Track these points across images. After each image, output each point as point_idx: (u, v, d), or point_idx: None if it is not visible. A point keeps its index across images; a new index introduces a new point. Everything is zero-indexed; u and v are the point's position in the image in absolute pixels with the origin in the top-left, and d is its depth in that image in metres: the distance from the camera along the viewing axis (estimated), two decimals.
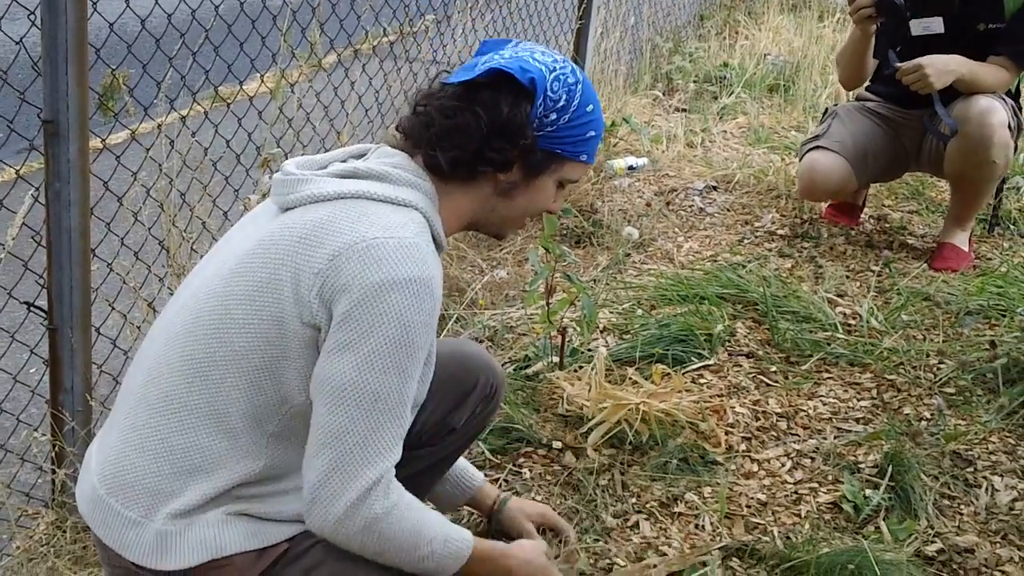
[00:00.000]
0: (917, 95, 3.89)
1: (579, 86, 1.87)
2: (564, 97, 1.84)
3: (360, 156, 1.93)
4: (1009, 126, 3.84)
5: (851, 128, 4.16)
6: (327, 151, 3.94)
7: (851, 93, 4.61)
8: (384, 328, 1.67)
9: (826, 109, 4.42)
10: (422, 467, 2.19)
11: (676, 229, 4.43)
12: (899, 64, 3.86)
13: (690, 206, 4.67)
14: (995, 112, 3.80)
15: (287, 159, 3.39)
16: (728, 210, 4.62)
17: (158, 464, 1.75)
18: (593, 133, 1.91)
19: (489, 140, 1.82)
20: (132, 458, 1.77)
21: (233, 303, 1.74)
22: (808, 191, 4.18)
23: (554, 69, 1.85)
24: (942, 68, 3.81)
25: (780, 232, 4.35)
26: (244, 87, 3.46)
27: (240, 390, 1.74)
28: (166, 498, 1.74)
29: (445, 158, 1.82)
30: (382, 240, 1.70)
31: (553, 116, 1.84)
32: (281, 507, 1.80)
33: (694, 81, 6.46)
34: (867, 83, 4.32)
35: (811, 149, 4.15)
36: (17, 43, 2.52)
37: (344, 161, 1.91)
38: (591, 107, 1.89)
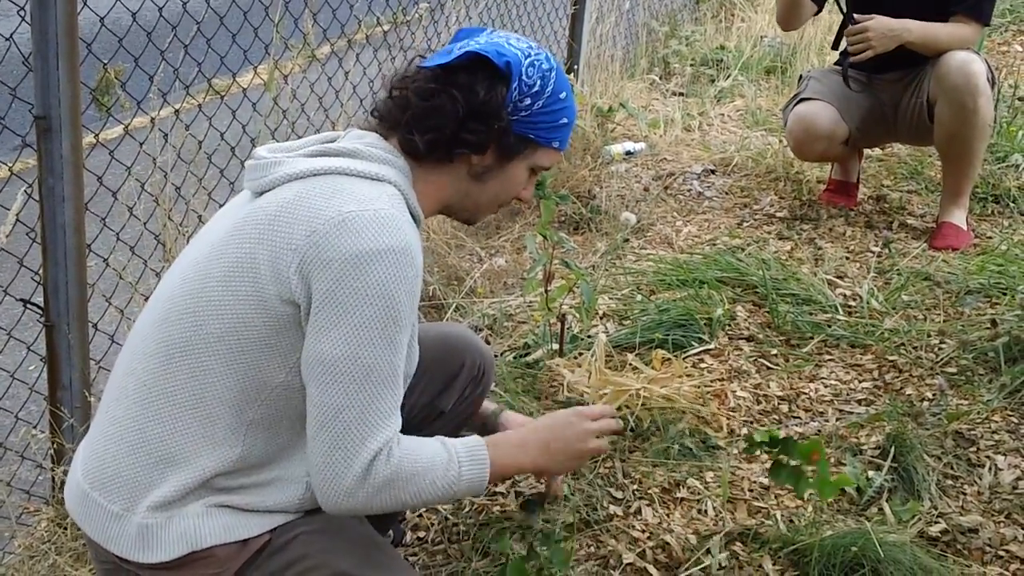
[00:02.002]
0: (886, 60, 3.92)
1: (553, 72, 1.90)
2: (539, 83, 1.87)
3: (332, 141, 1.93)
4: (987, 78, 3.84)
5: (828, 83, 4.17)
6: None
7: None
8: (368, 301, 1.68)
9: (801, 75, 4.41)
10: None
11: (674, 213, 4.42)
12: (856, 15, 3.89)
13: (688, 190, 4.65)
14: (974, 61, 3.82)
15: None
16: (726, 193, 4.60)
17: (136, 455, 1.76)
18: (566, 120, 1.94)
19: (465, 122, 1.84)
20: (112, 450, 1.78)
21: (209, 285, 1.75)
22: (801, 143, 4.13)
23: (529, 55, 1.88)
24: (886, 32, 3.85)
25: (779, 214, 4.33)
26: (237, 79, 3.44)
27: (217, 375, 1.74)
28: (145, 490, 1.75)
29: (422, 140, 1.84)
30: (357, 212, 1.70)
31: (527, 101, 1.87)
32: (262, 498, 1.80)
33: (691, 65, 6.44)
34: (837, 57, 4.33)
35: (795, 105, 4.15)
36: (7, 39, 2.52)
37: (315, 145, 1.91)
38: (564, 94, 1.92)
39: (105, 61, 2.91)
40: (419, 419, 2.15)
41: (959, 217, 4.04)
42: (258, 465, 1.80)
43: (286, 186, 1.78)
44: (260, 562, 1.77)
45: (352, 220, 1.69)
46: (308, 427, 1.74)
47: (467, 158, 1.89)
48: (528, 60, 1.86)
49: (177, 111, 3.14)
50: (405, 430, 2.04)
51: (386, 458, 1.72)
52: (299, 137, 3.61)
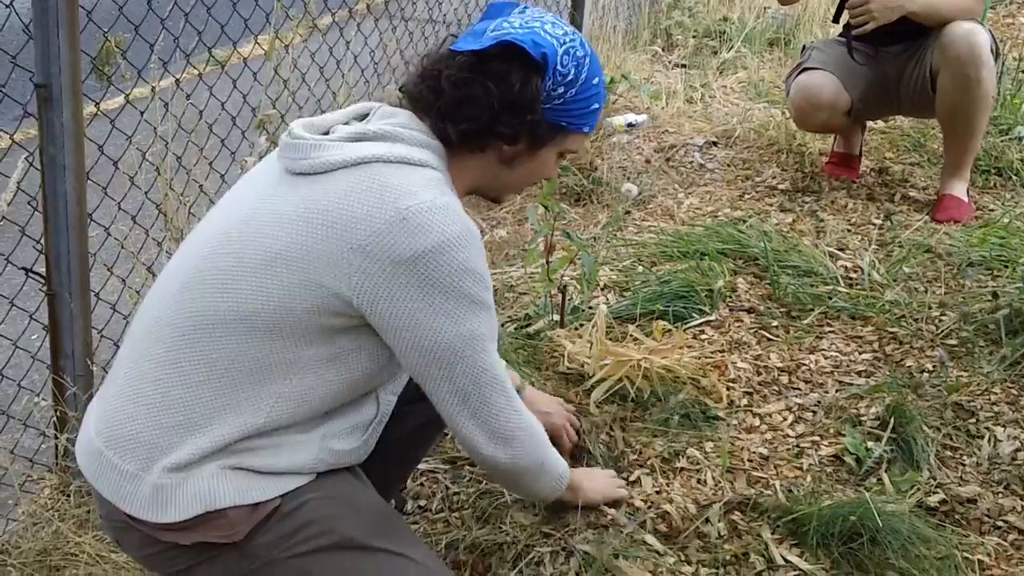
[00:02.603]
0: (890, 33, 3.90)
1: (587, 59, 1.90)
2: (573, 71, 1.87)
3: (363, 117, 1.93)
4: (991, 49, 3.82)
5: (831, 53, 4.15)
6: (324, 112, 3.93)
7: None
8: (456, 282, 1.73)
9: (804, 46, 4.37)
10: (422, 421, 2.21)
11: (676, 185, 4.41)
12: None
13: (690, 162, 4.64)
14: (979, 32, 3.79)
15: (283, 121, 3.39)
16: (728, 166, 4.59)
17: (156, 417, 1.76)
18: (597, 105, 1.95)
19: (499, 114, 1.84)
20: (130, 411, 1.78)
21: (245, 266, 1.74)
22: (803, 112, 4.12)
23: (564, 43, 1.86)
24: (887, 3, 3.81)
25: (781, 187, 4.33)
26: (238, 49, 3.43)
27: (247, 346, 1.74)
28: (162, 452, 1.75)
29: (455, 131, 1.85)
30: (415, 207, 1.71)
31: (561, 90, 1.87)
32: (276, 460, 1.80)
33: (693, 36, 6.42)
34: (840, 30, 4.31)
35: (798, 74, 4.13)
36: (7, 6, 2.51)
37: (347, 123, 1.90)
38: (596, 80, 1.92)
39: (105, 29, 2.89)
40: None
41: (960, 189, 4.04)
42: (277, 429, 1.80)
43: (331, 176, 1.77)
44: (270, 526, 1.78)
45: (412, 216, 1.70)
46: (445, 410, 1.85)
47: (498, 146, 1.90)
48: (563, 48, 1.85)
49: (178, 81, 3.13)
50: (414, 399, 2.10)
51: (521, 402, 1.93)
52: (300, 108, 3.62)
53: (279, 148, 1.86)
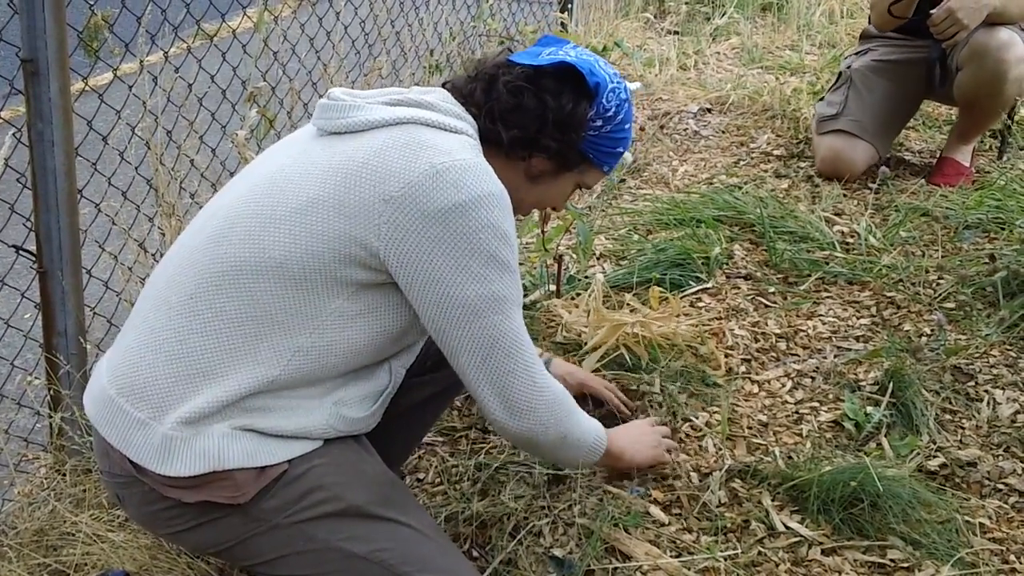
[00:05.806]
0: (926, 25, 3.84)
1: (626, 104, 2.03)
2: (614, 109, 2.00)
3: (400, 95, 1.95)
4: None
5: (869, 100, 4.06)
6: (315, 84, 3.90)
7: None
8: (484, 240, 1.76)
9: (840, 73, 4.24)
10: (427, 395, 2.23)
11: (671, 153, 4.39)
12: (933, 11, 3.77)
13: (684, 129, 4.62)
14: (1013, 47, 3.74)
15: (274, 94, 3.36)
16: (723, 132, 4.57)
17: (173, 365, 1.75)
18: (621, 149, 2.06)
19: (547, 128, 1.93)
20: (148, 359, 1.77)
21: (279, 213, 1.76)
22: (832, 173, 4.06)
23: (613, 81, 1.99)
24: (973, 6, 3.72)
25: (776, 152, 4.31)
26: (227, 22, 3.40)
27: (272, 296, 1.74)
28: (177, 401, 1.74)
29: (507, 135, 1.92)
30: (450, 163, 1.76)
31: (599, 123, 1.99)
32: (287, 423, 1.79)
33: (686, 3, 6.39)
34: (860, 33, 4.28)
35: (831, 131, 4.05)
36: None
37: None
38: (628, 125, 2.05)
39: (92, 3, 2.86)
40: (435, 362, 2.17)
41: (964, 154, 4.03)
42: (291, 387, 1.80)
43: (369, 133, 1.81)
44: (276, 490, 1.78)
45: (446, 171, 1.74)
46: (462, 369, 1.84)
47: (534, 159, 1.98)
48: (611, 86, 1.97)
49: (167, 55, 3.10)
50: (420, 372, 2.14)
51: (547, 373, 1.91)
52: (291, 79, 3.59)
53: (315, 111, 1.90)
